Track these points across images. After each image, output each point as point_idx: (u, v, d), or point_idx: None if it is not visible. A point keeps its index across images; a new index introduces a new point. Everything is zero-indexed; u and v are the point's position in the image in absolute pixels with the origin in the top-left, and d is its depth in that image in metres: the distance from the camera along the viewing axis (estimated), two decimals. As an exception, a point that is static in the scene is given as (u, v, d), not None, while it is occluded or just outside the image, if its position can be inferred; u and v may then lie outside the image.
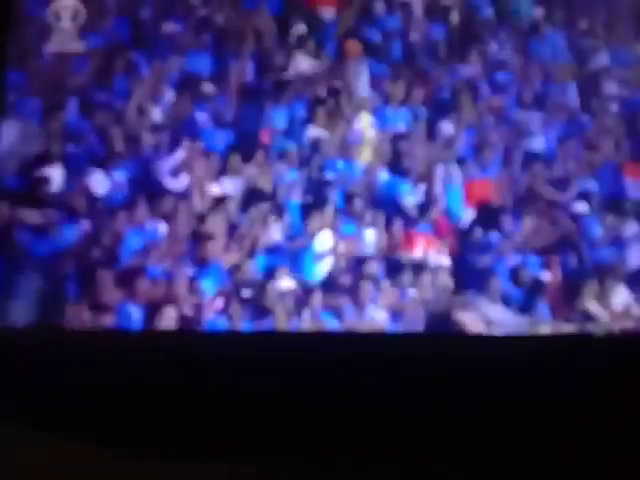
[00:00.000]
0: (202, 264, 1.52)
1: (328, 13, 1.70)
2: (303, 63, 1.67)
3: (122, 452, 1.38)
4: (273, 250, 1.53)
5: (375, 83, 1.66)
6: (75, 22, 1.68)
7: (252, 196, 1.58)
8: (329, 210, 1.57)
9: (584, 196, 1.59)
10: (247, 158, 1.60)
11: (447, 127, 1.63)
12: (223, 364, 1.40)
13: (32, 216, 1.54)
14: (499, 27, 1.71)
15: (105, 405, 1.39)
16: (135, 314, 1.48)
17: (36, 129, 1.61)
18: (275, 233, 1.54)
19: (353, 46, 1.68)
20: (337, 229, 1.56)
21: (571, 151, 1.62)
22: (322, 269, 1.52)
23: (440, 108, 1.65)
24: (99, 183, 1.58)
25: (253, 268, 1.51)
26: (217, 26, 1.70)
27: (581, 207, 1.58)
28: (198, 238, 1.54)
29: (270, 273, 1.51)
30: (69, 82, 1.65)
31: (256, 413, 1.39)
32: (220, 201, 1.57)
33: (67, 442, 1.39)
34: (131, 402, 1.40)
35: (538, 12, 1.71)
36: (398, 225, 1.56)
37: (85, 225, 1.53)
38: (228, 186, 1.58)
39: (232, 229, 1.55)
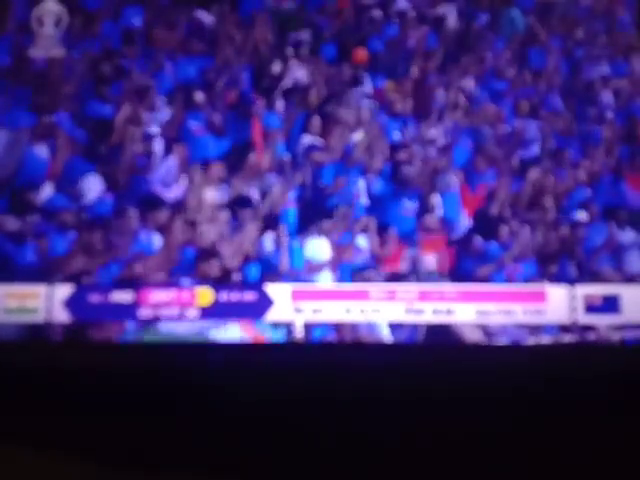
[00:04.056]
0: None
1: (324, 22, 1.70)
2: (299, 71, 1.66)
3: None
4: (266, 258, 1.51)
5: (372, 92, 1.66)
6: (58, 28, 1.65)
7: (242, 204, 1.55)
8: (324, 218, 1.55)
9: (583, 204, 1.58)
10: (240, 166, 1.58)
11: (443, 135, 1.62)
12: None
13: (14, 224, 1.51)
14: (495, 36, 1.71)
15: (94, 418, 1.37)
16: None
17: (22, 137, 1.58)
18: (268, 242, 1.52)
19: (355, 54, 1.68)
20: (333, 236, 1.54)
21: (568, 159, 1.62)
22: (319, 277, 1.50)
23: (436, 116, 1.64)
24: (92, 189, 1.55)
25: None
26: (212, 34, 1.69)
27: (580, 215, 1.58)
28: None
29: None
30: (60, 89, 1.62)
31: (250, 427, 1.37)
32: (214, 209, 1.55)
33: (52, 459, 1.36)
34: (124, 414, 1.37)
35: (534, 22, 1.71)
36: (392, 235, 1.54)
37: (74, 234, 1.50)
38: (220, 195, 1.56)
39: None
